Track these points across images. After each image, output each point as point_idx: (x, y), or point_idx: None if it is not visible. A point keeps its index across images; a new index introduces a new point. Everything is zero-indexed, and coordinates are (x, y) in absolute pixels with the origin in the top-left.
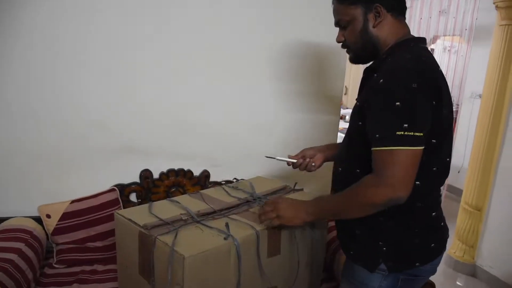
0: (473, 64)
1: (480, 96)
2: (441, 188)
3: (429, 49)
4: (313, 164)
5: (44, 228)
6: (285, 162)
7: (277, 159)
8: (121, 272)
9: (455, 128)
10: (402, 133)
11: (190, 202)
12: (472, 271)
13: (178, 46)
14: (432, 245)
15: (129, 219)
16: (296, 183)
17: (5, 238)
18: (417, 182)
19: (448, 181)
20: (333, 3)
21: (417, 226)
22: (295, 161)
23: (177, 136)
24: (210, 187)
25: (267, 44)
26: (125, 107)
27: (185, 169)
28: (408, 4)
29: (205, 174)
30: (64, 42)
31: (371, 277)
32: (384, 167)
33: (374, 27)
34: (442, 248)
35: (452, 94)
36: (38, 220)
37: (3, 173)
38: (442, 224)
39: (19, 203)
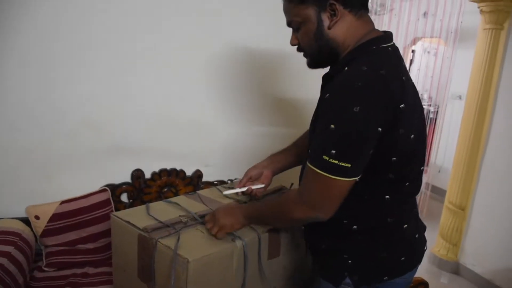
0: (454, 66)
1: (460, 97)
2: (417, 196)
3: (397, 47)
4: (262, 185)
5: (32, 230)
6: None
7: (224, 195)
8: (117, 276)
9: (435, 129)
10: (328, 159)
11: (188, 203)
12: (455, 269)
13: (170, 45)
14: (402, 258)
15: (127, 221)
16: (292, 184)
17: None
18: (386, 196)
19: (430, 180)
20: (282, 1)
21: (386, 240)
22: (245, 189)
23: (169, 136)
24: (203, 187)
25: (259, 50)
26: (116, 106)
27: (178, 168)
28: (396, 5)
29: (198, 174)
30: (56, 40)
31: None
32: (306, 186)
33: (329, 28)
34: (415, 261)
35: (431, 95)
36: (25, 221)
37: None
38: (416, 236)
39: (5, 203)
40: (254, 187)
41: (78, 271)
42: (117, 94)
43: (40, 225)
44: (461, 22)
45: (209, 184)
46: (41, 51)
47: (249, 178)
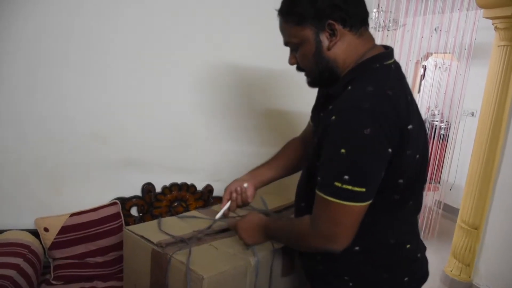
0: (467, 83)
1: (472, 114)
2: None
3: (399, 64)
4: (246, 188)
5: (41, 242)
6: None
7: (217, 219)
8: None
9: (446, 146)
10: (341, 185)
11: (200, 219)
12: None
13: (182, 62)
14: (406, 279)
15: (141, 236)
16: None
17: (3, 252)
18: (389, 217)
19: (442, 198)
20: (279, 19)
21: (388, 261)
22: (227, 207)
23: (180, 150)
24: (213, 202)
25: (264, 62)
26: (127, 119)
27: (189, 183)
28: (410, 21)
29: (209, 189)
30: (68, 53)
31: None
32: (319, 216)
33: (329, 49)
34: (419, 281)
35: (443, 112)
36: (34, 233)
37: None
38: (418, 255)
39: (15, 215)
40: (244, 185)
41: (86, 285)
42: (129, 107)
43: (49, 238)
44: (475, 38)
45: (220, 199)
46: (52, 63)
47: (231, 191)
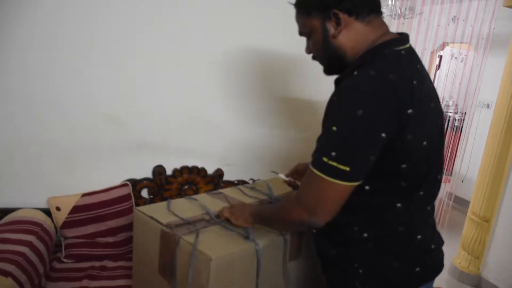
0: (483, 74)
1: (488, 106)
2: (428, 207)
3: (413, 49)
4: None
5: (53, 221)
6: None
7: (280, 176)
8: (137, 270)
9: (460, 137)
10: (327, 160)
11: (209, 201)
12: (477, 282)
13: (194, 46)
14: (417, 269)
15: (151, 217)
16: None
17: (16, 230)
18: (398, 204)
19: (453, 190)
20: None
21: (397, 249)
22: (287, 179)
23: (192, 134)
24: (223, 186)
25: (276, 50)
26: (141, 103)
27: (199, 166)
28: (427, 9)
29: (219, 173)
30: (82, 34)
31: None
32: (304, 187)
33: (334, 37)
34: (432, 272)
35: (458, 103)
36: (46, 212)
37: (13, 163)
38: (432, 247)
39: (28, 194)
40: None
41: (97, 264)
42: (141, 91)
43: (60, 217)
44: (493, 28)
45: (230, 183)
46: (69, 46)
47: (296, 171)
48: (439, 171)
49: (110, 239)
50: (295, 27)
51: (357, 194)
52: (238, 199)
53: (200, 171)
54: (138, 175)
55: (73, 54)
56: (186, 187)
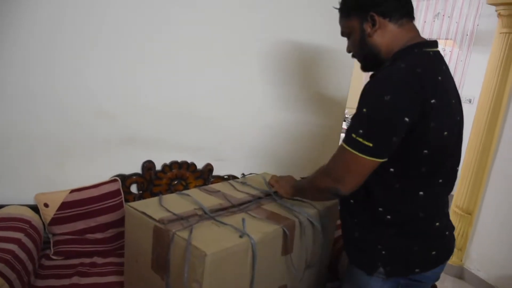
0: (466, 70)
1: (470, 101)
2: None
3: (441, 53)
4: None
5: (40, 218)
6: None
7: None
8: (129, 266)
9: None
10: (355, 136)
11: (201, 197)
12: (459, 273)
13: (185, 40)
14: (433, 253)
15: (143, 212)
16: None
17: (4, 227)
18: (420, 192)
19: None
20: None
21: (418, 234)
22: None
23: (182, 128)
24: (213, 181)
25: (275, 46)
26: (130, 97)
27: (189, 161)
28: (414, 4)
29: (209, 168)
30: (71, 28)
31: (370, 282)
32: (334, 159)
33: (370, 36)
34: (445, 257)
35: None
36: (34, 208)
37: None
38: (447, 233)
39: (15, 190)
40: None
41: (86, 260)
42: (132, 85)
43: (49, 213)
44: (477, 25)
45: (220, 178)
46: (62, 40)
47: None
48: (457, 163)
49: (99, 235)
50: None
51: (383, 176)
52: (231, 195)
53: (190, 166)
54: (127, 171)
55: (64, 48)
56: (175, 182)
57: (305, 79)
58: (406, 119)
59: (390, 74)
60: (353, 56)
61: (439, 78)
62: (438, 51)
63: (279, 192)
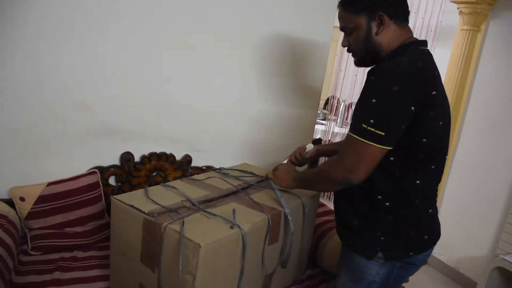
0: None
1: None
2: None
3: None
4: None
5: (16, 212)
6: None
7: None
8: (116, 260)
9: None
10: (366, 126)
11: (186, 188)
12: None
13: (164, 30)
14: (426, 237)
15: (131, 205)
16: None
17: None
18: (417, 181)
19: None
20: (338, 8)
21: (414, 220)
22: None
23: (159, 119)
24: (192, 172)
25: (253, 37)
26: (107, 87)
27: (168, 153)
28: None
29: (187, 159)
30: (47, 19)
31: (369, 265)
32: (345, 151)
33: (377, 34)
34: (434, 240)
35: None
36: (9, 203)
37: None
38: (436, 219)
39: None
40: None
41: (67, 255)
42: (109, 75)
43: (25, 207)
44: (441, 21)
45: (199, 169)
46: (36, 31)
47: (296, 151)
48: (446, 151)
49: (79, 229)
50: None
51: (384, 165)
52: (215, 186)
53: (169, 157)
54: (105, 162)
55: (38, 37)
56: (154, 173)
57: (282, 70)
58: (412, 108)
59: (394, 67)
60: (349, 50)
61: (436, 72)
62: (428, 50)
63: (280, 185)
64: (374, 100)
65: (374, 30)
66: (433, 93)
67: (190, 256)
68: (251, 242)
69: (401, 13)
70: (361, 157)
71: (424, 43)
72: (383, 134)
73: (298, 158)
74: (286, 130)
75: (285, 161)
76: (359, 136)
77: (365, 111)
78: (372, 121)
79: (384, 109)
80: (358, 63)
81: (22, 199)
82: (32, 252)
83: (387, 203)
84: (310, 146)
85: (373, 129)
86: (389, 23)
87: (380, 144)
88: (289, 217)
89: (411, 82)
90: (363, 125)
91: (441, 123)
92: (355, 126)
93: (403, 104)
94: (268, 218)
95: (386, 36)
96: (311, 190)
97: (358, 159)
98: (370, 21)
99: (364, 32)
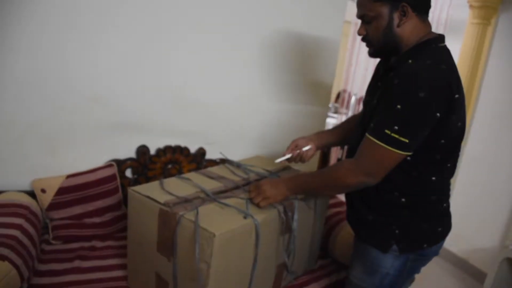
0: None
1: None
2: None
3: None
4: (309, 146)
5: (38, 203)
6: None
7: (277, 162)
8: (133, 249)
9: None
10: (390, 133)
11: (200, 180)
12: None
13: (179, 25)
14: (439, 229)
15: (147, 196)
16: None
17: (4, 213)
18: (433, 178)
19: None
20: None
21: (429, 214)
22: (287, 157)
23: (174, 113)
24: (206, 165)
25: (266, 33)
26: (124, 81)
27: (182, 146)
28: None
29: (201, 152)
30: (63, 12)
31: (384, 258)
32: (364, 155)
33: (398, 26)
34: (446, 232)
35: None
36: (31, 194)
37: None
38: (448, 212)
39: (11, 176)
40: (303, 149)
41: (85, 244)
42: (126, 70)
43: (46, 199)
44: (451, 14)
45: (213, 162)
46: (54, 25)
47: (296, 146)
48: (460, 148)
49: (97, 220)
50: None
51: (401, 165)
52: (229, 178)
53: (183, 150)
54: (122, 155)
55: (56, 33)
56: (170, 166)
57: (293, 65)
58: (438, 114)
59: (419, 71)
60: (364, 40)
61: (458, 74)
62: (446, 46)
63: (267, 200)
64: (399, 106)
65: (396, 21)
66: (456, 96)
67: (205, 245)
68: (264, 232)
69: (424, 6)
70: (382, 163)
71: (443, 38)
72: (407, 141)
73: (302, 160)
74: (297, 123)
75: (284, 157)
76: (381, 142)
77: (388, 116)
78: (396, 127)
79: (410, 116)
80: (373, 54)
81: (43, 190)
82: (53, 242)
83: (403, 199)
84: (308, 146)
85: (397, 136)
86: (412, 15)
87: (402, 151)
88: (300, 208)
89: (437, 88)
90: (386, 131)
91: (459, 124)
92: (377, 131)
93: (429, 111)
94: (281, 209)
95: (407, 29)
96: (313, 195)
97: (379, 164)
98: (393, 11)
99: (386, 22)
